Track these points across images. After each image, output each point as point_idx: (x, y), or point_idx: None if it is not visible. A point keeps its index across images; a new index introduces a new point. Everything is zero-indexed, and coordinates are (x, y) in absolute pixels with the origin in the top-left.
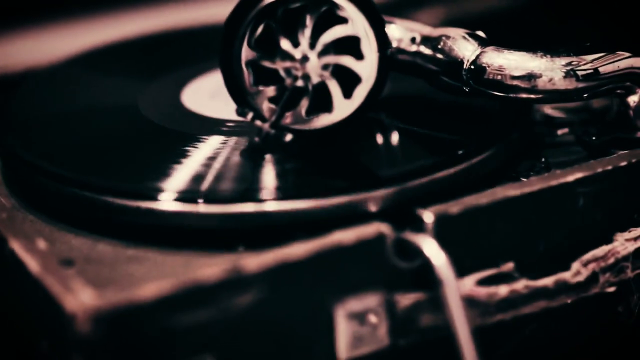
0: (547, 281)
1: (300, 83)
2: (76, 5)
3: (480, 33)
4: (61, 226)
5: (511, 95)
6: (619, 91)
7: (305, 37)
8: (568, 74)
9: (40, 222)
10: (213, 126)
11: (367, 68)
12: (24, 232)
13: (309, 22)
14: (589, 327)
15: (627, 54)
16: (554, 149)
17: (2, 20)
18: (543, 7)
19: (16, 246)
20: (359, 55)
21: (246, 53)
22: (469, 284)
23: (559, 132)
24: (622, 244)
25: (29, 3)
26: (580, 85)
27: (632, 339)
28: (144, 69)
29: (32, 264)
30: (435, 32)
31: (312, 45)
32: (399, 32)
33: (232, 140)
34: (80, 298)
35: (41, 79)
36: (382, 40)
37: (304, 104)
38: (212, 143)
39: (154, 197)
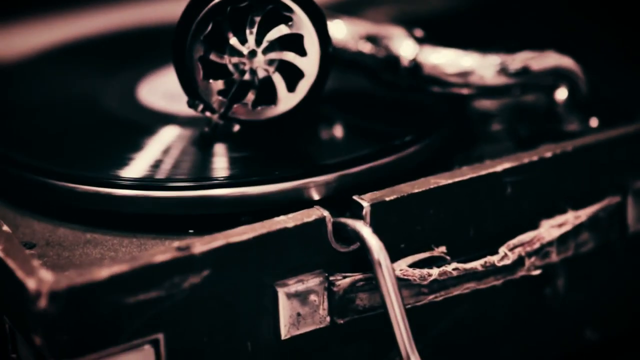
0: (476, 264)
1: (247, 77)
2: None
3: (419, 32)
4: (24, 212)
5: (446, 90)
6: (547, 87)
7: (252, 34)
8: (499, 71)
9: (4, 208)
10: (166, 118)
11: (309, 64)
12: None
13: (255, 20)
14: (517, 308)
15: (554, 53)
16: (487, 143)
17: None
18: (482, 10)
19: None
20: (303, 52)
21: (197, 48)
22: (403, 266)
23: (492, 126)
24: (547, 230)
25: None
26: (511, 81)
27: (558, 320)
28: (105, 65)
29: None
30: (376, 30)
31: (258, 42)
32: (342, 29)
33: (184, 131)
34: (40, 278)
35: (7, 73)
36: (324, 38)
37: (251, 97)
38: (165, 134)
39: (109, 184)
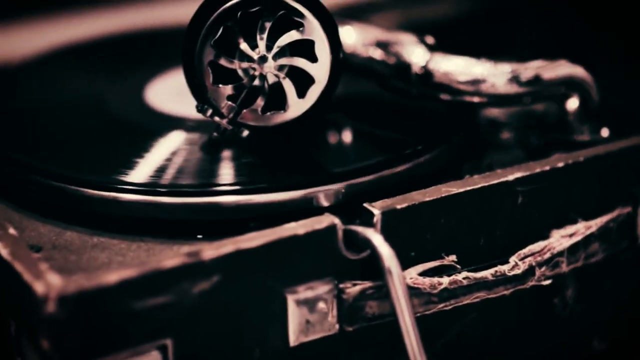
0: (487, 273)
1: (257, 82)
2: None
3: (429, 39)
4: (30, 214)
5: (457, 98)
6: (558, 96)
7: (262, 40)
8: (510, 80)
9: (10, 210)
10: (175, 123)
11: (320, 70)
12: None
13: (266, 25)
14: (525, 317)
15: (566, 62)
16: (496, 151)
17: None
18: (490, 16)
19: None
20: (313, 58)
21: (207, 53)
22: (413, 274)
23: (502, 134)
24: (558, 240)
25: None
26: (522, 90)
27: (566, 329)
28: (113, 67)
29: (3, 249)
30: (387, 36)
31: (269, 47)
32: (353, 35)
33: (192, 136)
34: (48, 282)
35: (13, 75)
36: (335, 44)
37: (260, 102)
38: (173, 138)
39: (116, 188)
